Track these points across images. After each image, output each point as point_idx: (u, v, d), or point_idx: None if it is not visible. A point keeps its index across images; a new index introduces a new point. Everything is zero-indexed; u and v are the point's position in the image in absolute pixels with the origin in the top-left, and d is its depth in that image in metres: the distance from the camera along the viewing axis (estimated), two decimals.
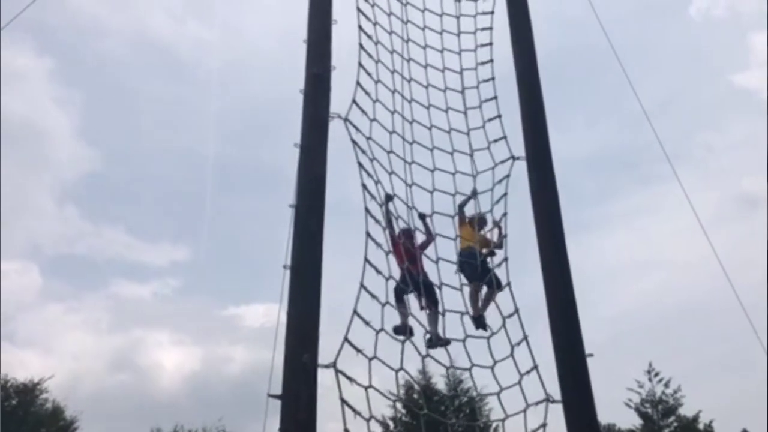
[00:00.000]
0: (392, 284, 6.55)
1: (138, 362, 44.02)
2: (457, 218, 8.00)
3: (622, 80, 8.40)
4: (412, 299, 7.17)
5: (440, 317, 7.11)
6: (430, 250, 7.60)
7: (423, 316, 7.20)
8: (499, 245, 7.74)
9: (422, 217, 7.71)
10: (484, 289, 7.50)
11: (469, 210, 8.12)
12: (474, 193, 8.06)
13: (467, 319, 7.14)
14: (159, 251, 53.92)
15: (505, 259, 7.51)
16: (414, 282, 7.06)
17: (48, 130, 53.14)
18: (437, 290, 7.22)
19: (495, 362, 6.79)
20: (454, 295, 7.32)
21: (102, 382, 40.53)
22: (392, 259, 6.84)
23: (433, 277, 7.34)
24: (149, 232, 55.65)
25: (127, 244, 53.78)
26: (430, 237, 7.67)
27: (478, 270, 7.55)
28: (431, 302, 7.24)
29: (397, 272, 6.95)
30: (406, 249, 7.29)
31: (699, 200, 7.75)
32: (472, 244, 7.77)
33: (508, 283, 7.31)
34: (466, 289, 7.49)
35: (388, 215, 7.16)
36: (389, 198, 7.27)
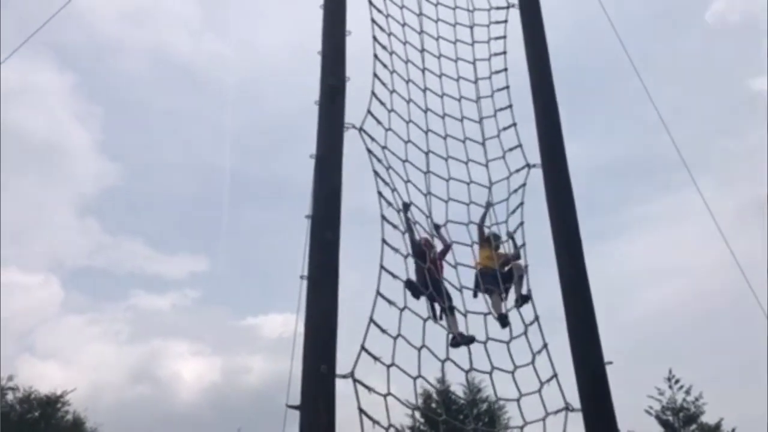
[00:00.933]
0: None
1: (157, 373, 44.23)
2: (476, 233, 7.98)
3: (639, 87, 8.38)
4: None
5: (460, 317, 7.12)
6: (447, 257, 7.64)
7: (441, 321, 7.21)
8: (516, 256, 7.73)
9: (437, 227, 7.73)
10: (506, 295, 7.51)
11: (486, 220, 8.12)
12: (489, 205, 8.06)
13: (489, 321, 7.10)
14: (177, 263, 54.32)
15: (526, 266, 7.49)
16: (435, 283, 7.06)
17: (69, 145, 53.87)
18: (455, 294, 7.26)
19: (516, 367, 6.77)
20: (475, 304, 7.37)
21: (122, 394, 40.76)
22: (410, 262, 6.87)
23: (453, 282, 7.39)
24: (168, 245, 56.14)
25: (146, 256, 54.21)
26: (447, 246, 7.68)
27: (500, 284, 7.53)
28: (449, 301, 7.23)
29: (413, 275, 6.97)
30: (432, 258, 7.31)
31: (718, 206, 7.71)
32: (491, 265, 7.73)
33: (529, 292, 7.30)
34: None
35: (407, 222, 7.19)
36: (407, 206, 7.31)
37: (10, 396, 27.16)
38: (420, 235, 7.43)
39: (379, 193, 6.89)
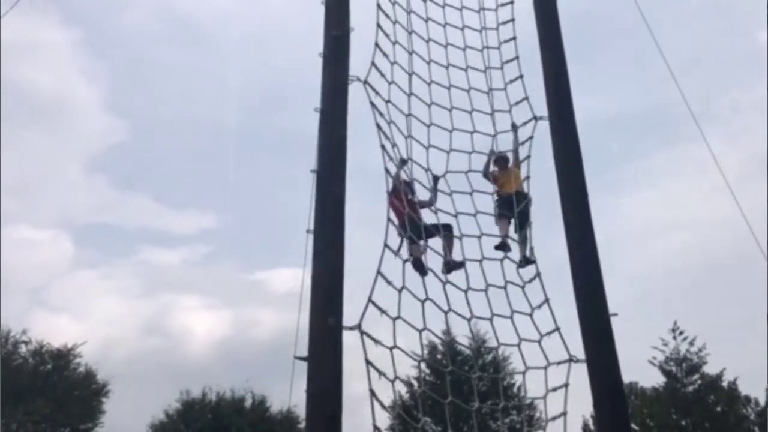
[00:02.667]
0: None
1: (168, 327, 44.96)
2: (491, 170, 8.05)
3: (647, 40, 8.19)
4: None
5: (455, 242, 7.27)
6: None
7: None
8: (515, 152, 7.95)
9: (435, 178, 7.72)
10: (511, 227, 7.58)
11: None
12: (492, 153, 8.06)
13: (486, 265, 7.14)
14: (186, 218, 54.68)
15: (530, 223, 7.52)
16: (415, 227, 7.15)
17: (75, 101, 53.69)
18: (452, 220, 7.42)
19: (513, 312, 6.84)
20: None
21: (134, 347, 41.50)
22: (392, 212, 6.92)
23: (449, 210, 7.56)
24: (176, 201, 56.44)
25: (156, 212, 54.53)
26: (432, 203, 7.67)
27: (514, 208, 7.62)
28: (443, 234, 7.34)
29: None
30: (408, 199, 7.36)
31: (725, 160, 7.63)
32: (507, 189, 7.81)
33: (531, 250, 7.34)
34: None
35: (397, 177, 7.23)
36: (404, 162, 7.33)
37: (23, 349, 27.68)
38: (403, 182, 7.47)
39: (382, 147, 6.87)
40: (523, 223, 7.54)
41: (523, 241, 7.44)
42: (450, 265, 7.09)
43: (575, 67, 7.51)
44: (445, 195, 7.64)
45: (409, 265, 6.44)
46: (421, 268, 6.87)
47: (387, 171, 6.74)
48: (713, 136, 7.87)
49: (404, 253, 6.81)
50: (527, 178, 7.77)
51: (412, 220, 7.06)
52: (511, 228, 7.58)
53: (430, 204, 7.66)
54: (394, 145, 7.15)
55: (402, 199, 7.20)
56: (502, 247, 7.41)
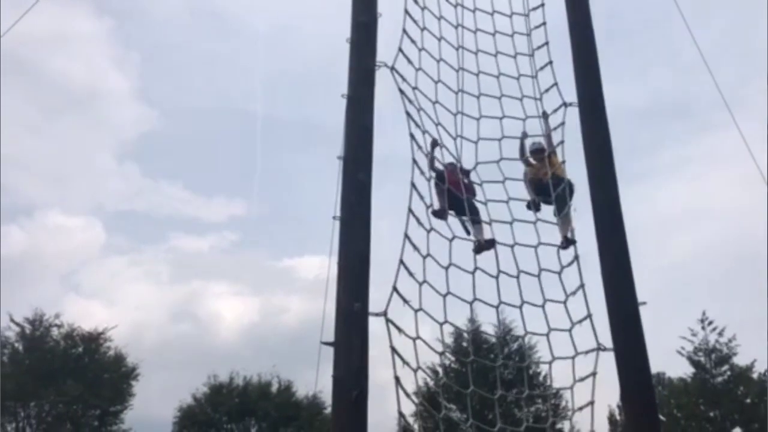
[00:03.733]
0: (433, 234, 6.57)
1: (198, 313, 45.65)
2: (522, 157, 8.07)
3: (677, 26, 8.08)
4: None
5: (484, 226, 7.34)
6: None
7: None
8: (548, 138, 7.87)
9: (466, 172, 7.72)
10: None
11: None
12: (524, 135, 8.03)
13: (518, 252, 7.08)
14: (216, 206, 55.38)
15: (570, 206, 7.46)
16: (456, 200, 7.28)
17: (107, 90, 54.48)
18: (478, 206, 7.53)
19: (545, 300, 6.78)
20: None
21: (164, 332, 42.25)
22: (434, 197, 7.00)
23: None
24: (206, 188, 57.15)
25: (185, 199, 55.29)
26: (473, 192, 7.70)
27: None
28: (474, 215, 7.45)
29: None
30: (452, 177, 7.45)
31: (757, 147, 7.45)
32: (541, 176, 7.80)
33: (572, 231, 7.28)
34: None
35: (432, 159, 7.26)
36: (435, 143, 7.33)
37: (55, 332, 28.26)
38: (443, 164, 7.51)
39: (411, 136, 6.84)
40: (561, 206, 7.48)
41: (563, 224, 7.38)
42: (481, 245, 7.14)
43: (606, 53, 7.40)
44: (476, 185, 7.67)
45: (429, 260, 6.35)
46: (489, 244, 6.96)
47: (414, 161, 6.67)
48: (745, 124, 7.69)
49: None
50: (563, 162, 7.69)
51: (452, 194, 7.19)
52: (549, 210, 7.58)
53: (468, 189, 7.66)
54: (424, 132, 7.12)
55: (447, 177, 7.31)
56: (533, 205, 7.48)
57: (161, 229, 53.94)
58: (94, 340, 28.30)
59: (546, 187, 7.65)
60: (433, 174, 7.22)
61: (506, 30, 8.25)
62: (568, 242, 7.21)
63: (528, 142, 8.15)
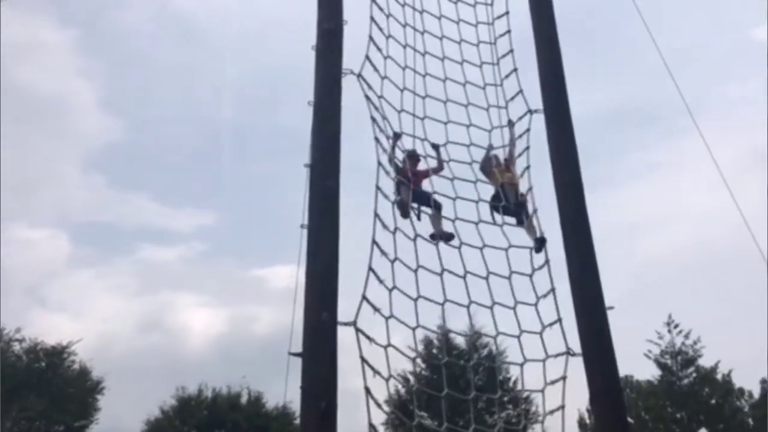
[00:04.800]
0: (399, 236, 6.52)
1: (166, 324, 44.92)
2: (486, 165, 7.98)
3: (641, 33, 8.14)
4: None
5: (440, 216, 7.27)
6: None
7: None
8: (512, 147, 7.86)
9: (435, 147, 7.70)
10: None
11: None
12: (490, 147, 7.99)
13: (487, 253, 7.03)
14: (184, 216, 54.56)
15: (535, 210, 7.43)
16: (418, 196, 7.23)
17: (72, 100, 53.56)
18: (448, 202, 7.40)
19: (516, 302, 6.78)
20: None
21: (131, 344, 41.42)
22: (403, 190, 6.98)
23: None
24: (174, 198, 56.26)
25: (153, 210, 54.44)
26: (441, 166, 7.66)
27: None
28: (435, 208, 7.37)
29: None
30: (413, 172, 7.38)
31: (719, 152, 7.61)
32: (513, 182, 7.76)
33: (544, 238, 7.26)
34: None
35: (393, 149, 7.23)
36: (398, 135, 7.31)
37: (17, 347, 27.58)
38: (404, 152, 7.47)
39: (376, 139, 6.86)
40: (520, 214, 7.49)
41: (529, 230, 7.39)
42: (437, 237, 7.10)
43: (571, 60, 7.48)
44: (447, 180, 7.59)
45: (398, 263, 6.30)
46: (404, 209, 6.90)
47: (380, 164, 6.69)
48: (708, 130, 7.83)
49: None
50: (528, 167, 7.68)
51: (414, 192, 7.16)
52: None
53: (439, 171, 7.63)
54: (389, 137, 7.13)
55: (406, 175, 7.27)
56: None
57: (128, 240, 53.05)
58: (57, 355, 27.69)
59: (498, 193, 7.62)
60: (396, 161, 7.18)
61: (472, 39, 8.28)
62: (540, 243, 7.23)
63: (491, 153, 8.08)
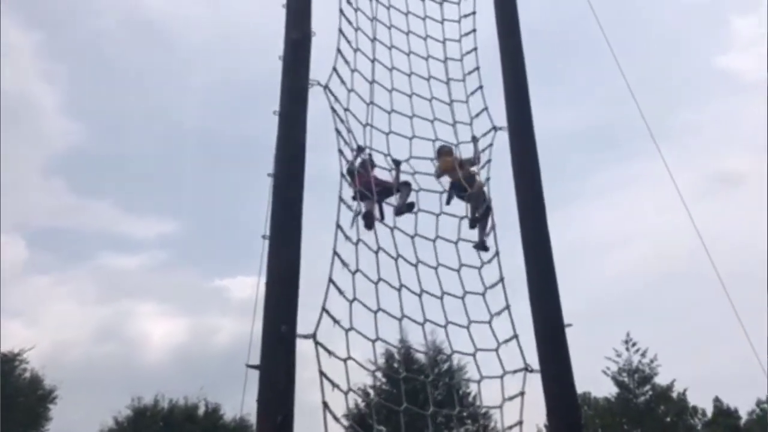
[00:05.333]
0: (361, 248, 6.50)
1: (125, 333, 44.06)
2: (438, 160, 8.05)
3: (605, 57, 8.30)
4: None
5: (408, 195, 7.50)
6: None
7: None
8: (476, 161, 7.92)
9: (396, 162, 7.72)
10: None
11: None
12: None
13: (441, 273, 7.04)
14: (146, 224, 53.83)
15: (493, 227, 7.47)
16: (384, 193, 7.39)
17: (34, 104, 52.49)
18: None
19: (470, 322, 6.79)
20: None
21: (88, 353, 40.56)
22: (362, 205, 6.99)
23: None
24: (136, 206, 55.35)
25: (114, 217, 53.55)
26: (395, 183, 7.67)
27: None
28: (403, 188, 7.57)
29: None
30: (366, 180, 7.39)
31: (676, 176, 7.79)
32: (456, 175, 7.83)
33: (497, 253, 7.30)
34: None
35: (354, 160, 7.27)
36: (360, 149, 7.34)
37: None
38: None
39: (340, 152, 6.86)
40: (475, 207, 7.59)
41: (482, 230, 7.50)
42: (401, 209, 7.30)
43: (536, 81, 7.57)
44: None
45: (359, 275, 6.28)
46: (369, 219, 6.91)
47: (343, 176, 6.70)
48: (668, 153, 8.00)
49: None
50: (488, 179, 7.75)
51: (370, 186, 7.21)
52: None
53: (394, 185, 7.67)
54: (353, 150, 7.15)
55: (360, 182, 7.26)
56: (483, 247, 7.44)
57: (88, 247, 52.06)
58: (8, 362, 26.90)
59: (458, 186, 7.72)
60: (356, 171, 7.21)
61: (439, 55, 8.36)
62: (481, 246, 7.30)
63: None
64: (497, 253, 7.18)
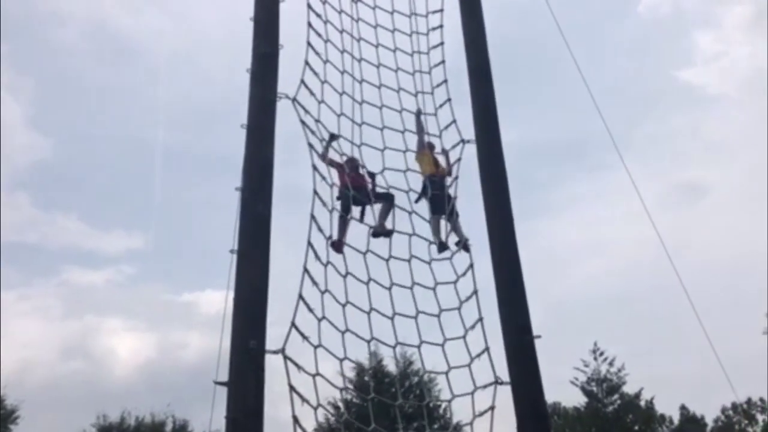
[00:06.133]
0: (330, 269, 6.43)
1: (91, 349, 43.27)
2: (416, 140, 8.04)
3: (569, 71, 8.42)
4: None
5: (389, 215, 7.39)
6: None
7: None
8: (449, 172, 7.91)
9: (372, 175, 7.72)
10: (442, 222, 7.58)
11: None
12: (419, 112, 8.09)
13: (417, 290, 6.98)
14: (112, 239, 52.94)
15: (467, 240, 7.46)
16: (359, 201, 7.31)
17: None
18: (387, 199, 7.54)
19: (445, 340, 6.75)
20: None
21: (53, 370, 39.72)
22: (335, 228, 6.85)
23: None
24: (102, 220, 54.50)
25: (80, 231, 52.69)
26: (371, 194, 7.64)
27: (444, 200, 7.60)
28: (381, 201, 7.51)
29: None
30: (351, 178, 7.37)
31: (641, 188, 7.91)
32: (434, 171, 7.82)
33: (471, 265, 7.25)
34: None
35: (327, 150, 7.20)
36: (333, 137, 7.29)
37: None
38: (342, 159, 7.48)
39: (314, 167, 6.77)
40: (436, 208, 7.57)
41: (455, 229, 7.50)
42: (378, 231, 7.18)
43: (503, 95, 7.64)
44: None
45: (327, 296, 6.22)
46: (338, 246, 6.81)
47: (316, 193, 6.59)
48: (632, 165, 8.12)
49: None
50: (455, 197, 7.71)
51: (356, 199, 7.21)
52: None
53: (370, 186, 7.65)
54: (322, 140, 7.11)
55: (344, 181, 7.27)
56: (446, 248, 7.41)
57: (53, 262, 51.15)
58: None
59: (441, 182, 7.71)
60: (332, 158, 7.18)
61: (408, 67, 8.38)
62: (443, 247, 7.31)
63: (423, 120, 8.13)
64: (471, 265, 7.17)
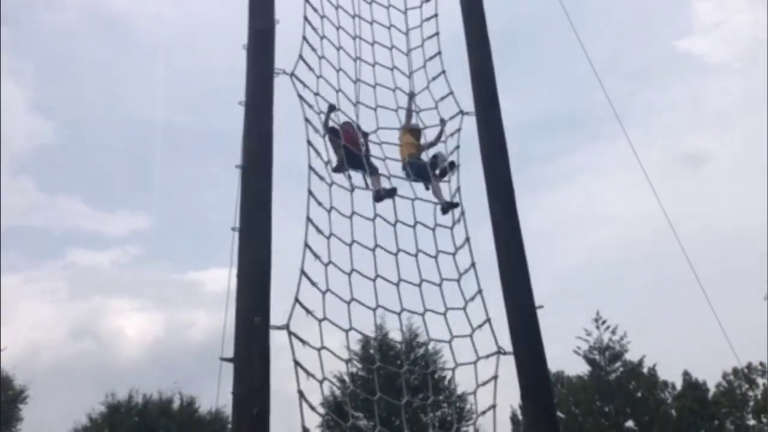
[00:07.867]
0: (333, 241, 6.47)
1: (98, 330, 43.62)
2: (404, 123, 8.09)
3: (568, 43, 8.38)
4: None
5: (384, 179, 7.49)
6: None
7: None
8: (436, 142, 8.02)
9: (365, 135, 7.77)
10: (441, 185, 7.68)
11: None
12: (412, 94, 8.14)
13: (421, 258, 7.04)
14: (117, 220, 53.04)
15: (462, 213, 7.47)
16: (355, 158, 7.36)
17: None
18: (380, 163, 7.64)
19: (447, 309, 6.81)
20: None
21: (62, 351, 40.12)
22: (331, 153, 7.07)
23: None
24: (106, 202, 54.56)
25: (85, 213, 52.84)
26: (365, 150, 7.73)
27: (428, 170, 7.71)
28: (372, 168, 7.56)
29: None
30: (349, 135, 7.47)
31: (642, 158, 7.90)
32: (414, 152, 7.89)
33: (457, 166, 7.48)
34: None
35: (327, 121, 7.24)
36: (332, 108, 7.31)
37: None
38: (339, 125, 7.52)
39: (309, 142, 6.76)
40: (427, 178, 7.66)
41: (436, 193, 7.58)
42: (381, 194, 7.23)
43: (500, 68, 7.58)
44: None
45: (331, 267, 6.26)
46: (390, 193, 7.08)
47: (311, 168, 6.58)
48: (632, 135, 8.10)
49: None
50: (458, 165, 7.73)
51: (350, 152, 7.28)
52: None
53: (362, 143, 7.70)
54: (324, 135, 7.11)
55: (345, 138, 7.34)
56: (452, 205, 7.49)
57: (59, 244, 51.44)
58: None
59: (422, 166, 7.77)
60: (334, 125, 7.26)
61: (402, 47, 8.31)
62: (449, 206, 7.37)
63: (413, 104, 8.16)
64: (468, 239, 7.19)
